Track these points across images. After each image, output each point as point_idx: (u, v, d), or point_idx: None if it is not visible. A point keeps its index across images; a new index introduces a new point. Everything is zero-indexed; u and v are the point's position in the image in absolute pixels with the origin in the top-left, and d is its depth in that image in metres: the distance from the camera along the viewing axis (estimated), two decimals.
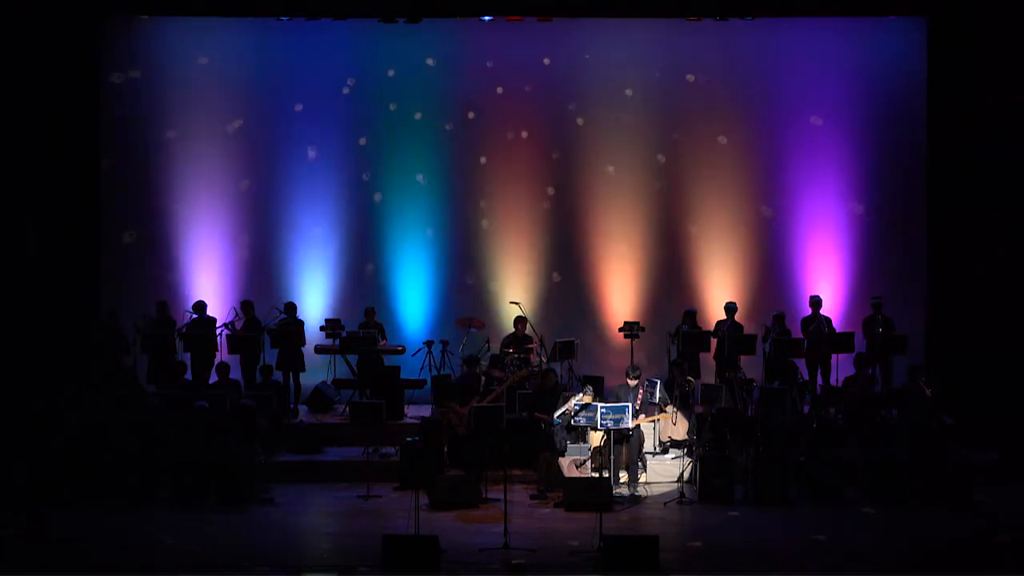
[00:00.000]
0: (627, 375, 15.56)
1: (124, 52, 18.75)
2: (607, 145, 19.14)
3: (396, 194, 19.16)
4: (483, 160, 19.18)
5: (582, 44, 19.03)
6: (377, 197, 19.14)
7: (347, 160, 19.13)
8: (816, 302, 17.74)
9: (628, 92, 19.07)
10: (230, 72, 18.96)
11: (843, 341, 17.25)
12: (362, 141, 19.08)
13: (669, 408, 15.70)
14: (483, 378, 16.31)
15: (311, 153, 19.04)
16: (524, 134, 19.17)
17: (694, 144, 19.14)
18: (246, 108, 19.01)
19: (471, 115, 19.10)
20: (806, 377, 17.28)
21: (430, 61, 19.05)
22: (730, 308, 17.82)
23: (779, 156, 19.09)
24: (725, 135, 19.07)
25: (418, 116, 19.11)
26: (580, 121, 19.13)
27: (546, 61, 19.07)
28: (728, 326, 17.62)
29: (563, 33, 18.93)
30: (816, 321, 17.59)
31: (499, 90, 19.09)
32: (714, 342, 17.59)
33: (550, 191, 19.20)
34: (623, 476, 15.21)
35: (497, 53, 19.07)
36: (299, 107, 19.01)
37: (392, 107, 19.07)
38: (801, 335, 17.54)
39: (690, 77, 18.99)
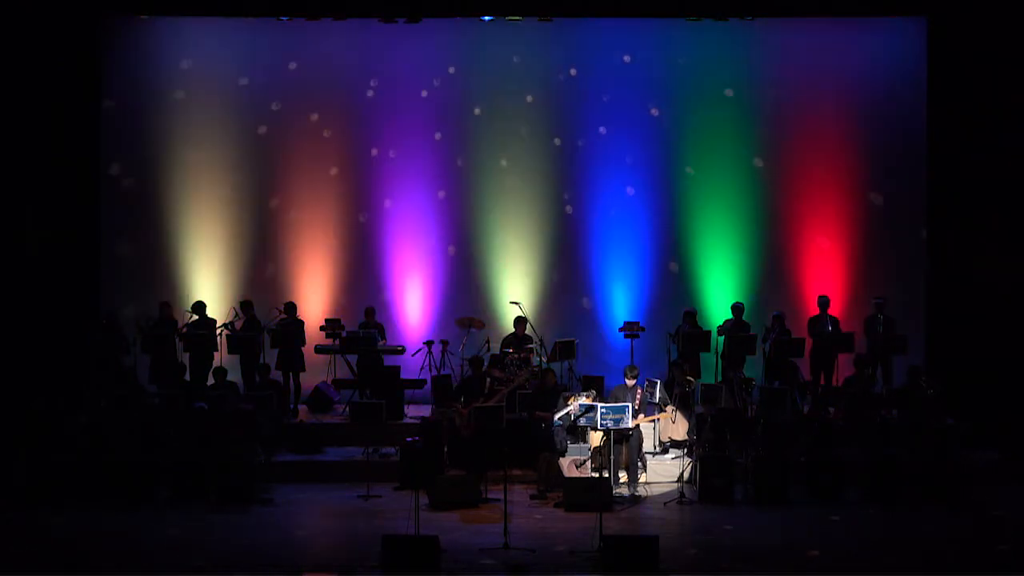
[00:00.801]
0: (625, 375, 15.55)
1: (124, 52, 18.74)
2: (609, 145, 19.17)
3: (397, 193, 19.18)
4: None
5: (586, 44, 19.06)
6: (387, 203, 19.17)
7: (349, 160, 19.15)
8: (824, 302, 17.74)
9: (626, 91, 19.13)
10: (230, 72, 18.96)
11: (843, 341, 17.25)
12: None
13: (669, 408, 15.70)
14: (488, 379, 16.32)
15: (308, 153, 19.04)
16: (529, 135, 19.20)
17: (696, 144, 19.13)
18: (246, 108, 19.00)
19: (477, 111, 19.15)
20: (808, 377, 17.27)
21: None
22: (736, 308, 17.81)
23: (779, 156, 19.08)
24: (725, 136, 19.06)
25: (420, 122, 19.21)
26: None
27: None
28: (731, 325, 17.61)
29: (564, 32, 18.98)
30: (822, 321, 17.59)
31: (510, 90, 19.14)
32: (719, 341, 17.57)
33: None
34: (623, 476, 15.21)
35: (501, 54, 19.11)
36: (301, 109, 19.05)
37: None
38: (805, 335, 17.52)
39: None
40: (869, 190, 18.99)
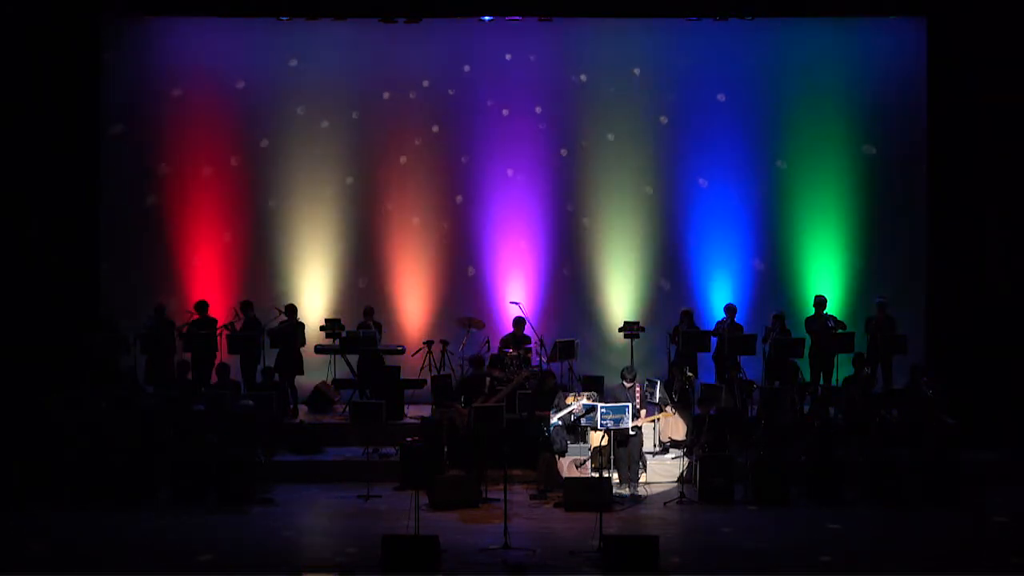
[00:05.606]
0: (623, 377, 15.52)
1: (124, 52, 18.74)
2: (609, 144, 19.18)
3: (396, 193, 19.18)
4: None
5: (586, 44, 19.07)
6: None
7: (347, 160, 19.16)
8: (820, 302, 17.75)
9: (626, 98, 19.17)
10: (230, 72, 18.98)
11: (844, 341, 17.25)
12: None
13: (668, 408, 15.70)
14: (488, 379, 16.32)
15: (310, 153, 19.06)
16: (525, 128, 19.24)
17: (697, 145, 19.15)
18: (245, 108, 19.02)
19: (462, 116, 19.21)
20: (807, 378, 17.27)
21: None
22: (730, 309, 17.85)
23: (780, 156, 19.10)
24: (727, 136, 19.08)
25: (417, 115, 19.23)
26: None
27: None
28: (727, 326, 17.63)
29: (564, 32, 18.99)
30: (819, 321, 17.59)
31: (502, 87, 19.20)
32: (714, 342, 17.61)
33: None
34: (618, 476, 15.18)
35: (485, 53, 19.13)
36: (300, 109, 19.05)
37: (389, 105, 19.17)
38: (805, 335, 17.53)
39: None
40: (869, 189, 19.00)
